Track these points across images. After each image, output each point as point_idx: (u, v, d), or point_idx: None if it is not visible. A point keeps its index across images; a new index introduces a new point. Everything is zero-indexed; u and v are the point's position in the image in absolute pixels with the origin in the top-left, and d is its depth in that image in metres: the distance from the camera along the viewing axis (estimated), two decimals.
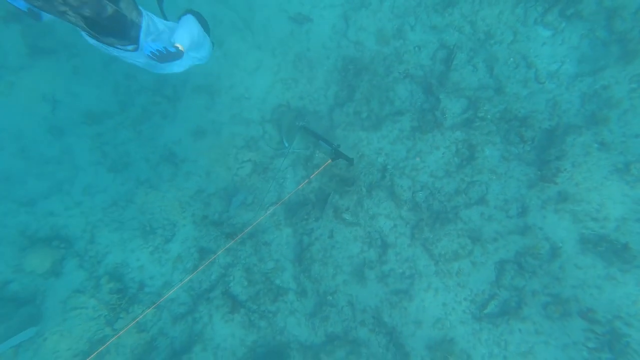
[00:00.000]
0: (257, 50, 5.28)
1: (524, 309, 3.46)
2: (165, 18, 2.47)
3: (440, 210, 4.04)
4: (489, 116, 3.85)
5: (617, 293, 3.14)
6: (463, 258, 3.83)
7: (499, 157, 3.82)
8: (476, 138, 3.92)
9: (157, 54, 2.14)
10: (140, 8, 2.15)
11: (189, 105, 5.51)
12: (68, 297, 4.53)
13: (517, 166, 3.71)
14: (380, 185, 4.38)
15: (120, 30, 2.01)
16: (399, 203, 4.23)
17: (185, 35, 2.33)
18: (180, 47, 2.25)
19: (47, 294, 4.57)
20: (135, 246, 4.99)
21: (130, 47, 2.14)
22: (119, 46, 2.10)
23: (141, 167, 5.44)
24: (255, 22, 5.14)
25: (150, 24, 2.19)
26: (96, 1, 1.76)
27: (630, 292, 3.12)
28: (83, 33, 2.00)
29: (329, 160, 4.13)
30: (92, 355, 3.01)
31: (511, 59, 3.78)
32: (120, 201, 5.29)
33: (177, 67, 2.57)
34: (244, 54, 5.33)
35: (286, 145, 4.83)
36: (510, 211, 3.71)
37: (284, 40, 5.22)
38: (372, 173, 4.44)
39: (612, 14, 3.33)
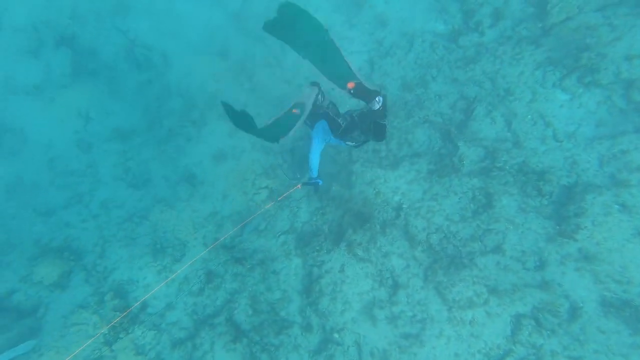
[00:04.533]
0: (285, 85, 5.60)
1: None
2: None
3: (454, 255, 4.02)
4: (507, 167, 3.96)
5: None
6: (478, 307, 3.75)
7: (516, 207, 3.87)
8: (493, 187, 4.00)
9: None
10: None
11: (213, 130, 5.74)
12: (70, 312, 4.44)
13: (534, 218, 3.75)
14: (394, 224, 4.40)
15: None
16: (413, 243, 4.22)
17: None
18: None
19: (50, 306, 4.49)
20: (144, 264, 4.97)
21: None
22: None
23: (160, 185, 5.56)
24: (286, 60, 5.50)
25: None
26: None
27: None
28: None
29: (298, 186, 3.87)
30: None
31: (529, 116, 3.96)
32: (134, 217, 5.35)
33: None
34: (272, 87, 5.66)
35: (298, 176, 5.02)
36: (527, 263, 3.68)
37: (310, 77, 5.54)
38: (387, 211, 4.49)
39: (630, 85, 3.54)
